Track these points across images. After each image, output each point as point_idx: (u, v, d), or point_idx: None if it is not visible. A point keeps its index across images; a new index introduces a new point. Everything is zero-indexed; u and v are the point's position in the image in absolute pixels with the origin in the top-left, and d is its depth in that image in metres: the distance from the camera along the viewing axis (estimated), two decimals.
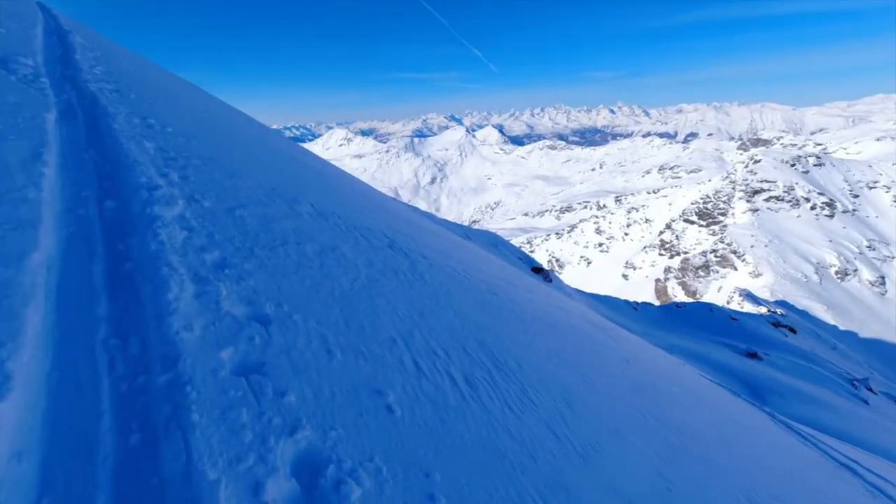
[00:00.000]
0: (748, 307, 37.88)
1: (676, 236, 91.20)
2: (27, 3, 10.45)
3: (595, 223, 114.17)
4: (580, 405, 3.38)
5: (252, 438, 1.57)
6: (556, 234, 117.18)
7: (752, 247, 74.53)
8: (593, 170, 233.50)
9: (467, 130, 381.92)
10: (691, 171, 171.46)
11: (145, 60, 12.26)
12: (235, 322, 2.17)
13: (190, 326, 1.99)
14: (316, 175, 8.11)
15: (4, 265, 1.88)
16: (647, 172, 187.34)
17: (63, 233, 2.41)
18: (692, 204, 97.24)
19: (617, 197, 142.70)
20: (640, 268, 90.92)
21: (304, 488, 1.52)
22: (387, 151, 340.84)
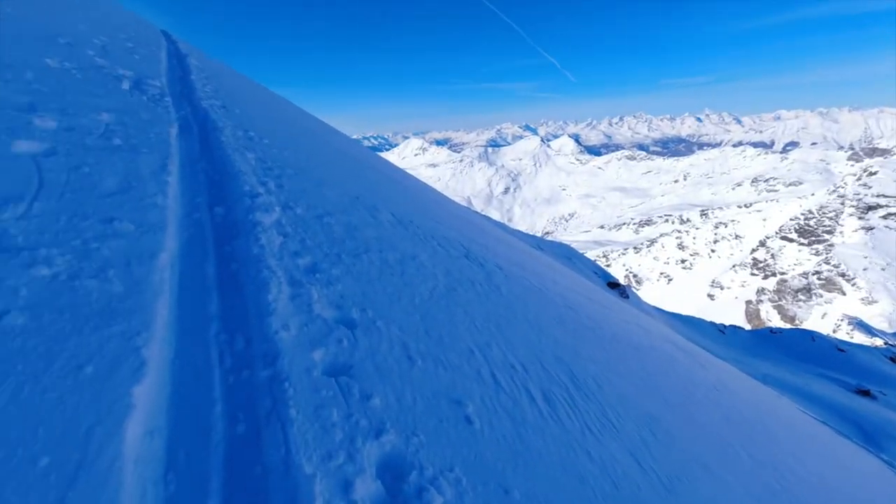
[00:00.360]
0: (860, 338, 33.54)
1: (772, 255, 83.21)
2: (153, 31, 11.94)
3: (677, 238, 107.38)
4: (664, 433, 3.18)
5: (342, 437, 1.65)
6: (635, 248, 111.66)
7: (864, 270, 66.09)
8: (676, 181, 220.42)
9: (542, 140, 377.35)
10: (790, 184, 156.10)
11: (245, 77, 13.49)
12: (326, 325, 2.30)
13: (287, 326, 2.14)
14: (394, 184, 8.39)
15: (139, 263, 2.15)
16: (738, 185, 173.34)
17: (183, 235, 2.71)
18: (791, 220, 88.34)
19: (702, 210, 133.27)
20: (729, 288, 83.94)
21: (389, 491, 1.56)
22: (460, 161, 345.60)
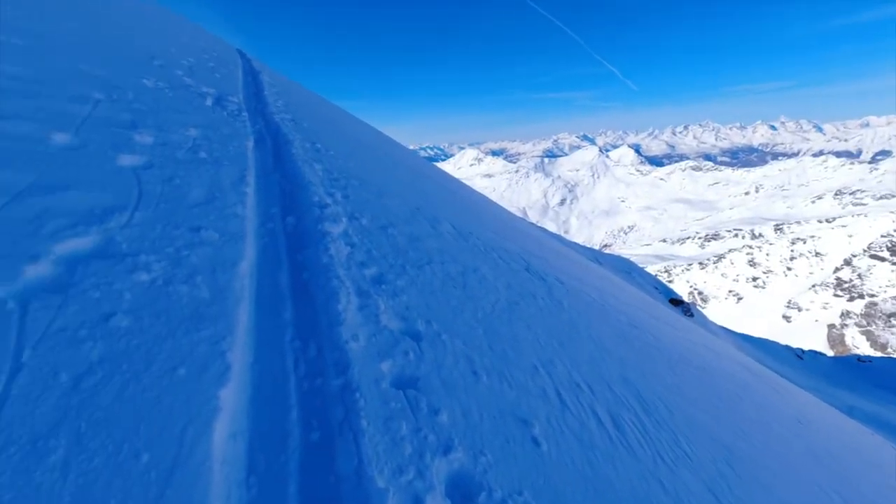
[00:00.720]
0: None
1: (859, 275, 75.80)
2: (230, 50, 12.86)
3: (748, 254, 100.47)
4: (742, 467, 2.94)
5: (411, 452, 1.65)
6: (700, 263, 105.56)
7: None
8: (747, 193, 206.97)
9: (600, 150, 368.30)
10: (881, 197, 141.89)
11: (311, 92, 14.19)
12: (392, 336, 2.33)
13: (356, 337, 2.18)
14: (451, 195, 8.46)
15: (223, 271, 2.29)
16: (819, 198, 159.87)
17: (259, 244, 2.86)
18: (882, 237, 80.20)
19: (777, 225, 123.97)
20: (808, 309, 77.24)
21: None
22: (516, 171, 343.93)
